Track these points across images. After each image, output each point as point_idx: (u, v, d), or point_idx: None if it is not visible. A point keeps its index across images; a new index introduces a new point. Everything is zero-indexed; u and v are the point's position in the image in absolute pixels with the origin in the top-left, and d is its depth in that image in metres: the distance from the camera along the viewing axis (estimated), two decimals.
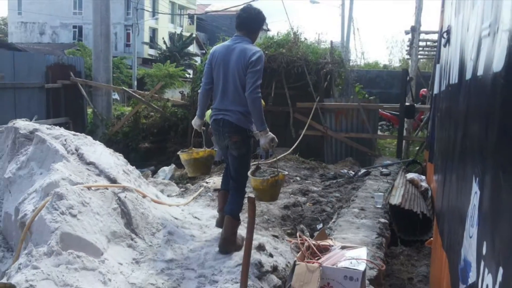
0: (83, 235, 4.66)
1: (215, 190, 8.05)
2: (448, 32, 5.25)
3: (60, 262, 4.33)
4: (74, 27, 56.33)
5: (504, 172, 1.56)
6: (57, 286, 4.12)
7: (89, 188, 5.29)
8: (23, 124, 6.33)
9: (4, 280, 4.29)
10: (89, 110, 17.75)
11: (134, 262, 4.98)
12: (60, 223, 4.58)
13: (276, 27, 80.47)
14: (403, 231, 6.88)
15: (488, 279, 1.60)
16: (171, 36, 54.51)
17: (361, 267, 3.37)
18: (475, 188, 2.13)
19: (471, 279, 1.96)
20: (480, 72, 2.24)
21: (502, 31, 1.70)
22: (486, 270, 1.66)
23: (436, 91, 7.65)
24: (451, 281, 2.74)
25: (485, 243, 1.76)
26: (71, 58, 19.02)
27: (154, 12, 52.83)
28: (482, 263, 1.76)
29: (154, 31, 58.11)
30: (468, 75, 2.74)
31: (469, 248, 2.11)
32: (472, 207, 2.16)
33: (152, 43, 54.84)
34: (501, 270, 1.44)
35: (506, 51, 1.59)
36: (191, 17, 66.42)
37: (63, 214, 4.67)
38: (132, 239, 5.27)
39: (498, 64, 1.74)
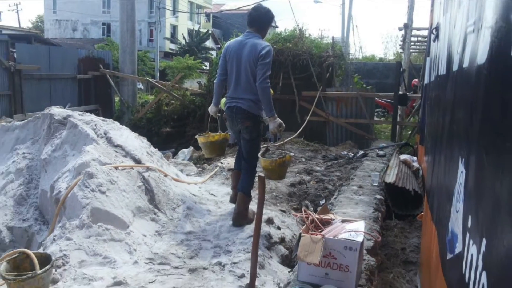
0: (111, 210, 4.69)
1: (229, 169, 8.06)
2: (437, 28, 5.18)
3: (90, 234, 4.36)
4: (103, 24, 56.19)
5: (486, 154, 1.55)
6: (88, 255, 4.16)
7: (116, 168, 5.32)
8: (57, 111, 6.35)
9: (40, 250, 4.34)
10: (117, 98, 17.78)
11: (157, 234, 5.01)
12: (90, 199, 4.62)
13: (283, 24, 79.94)
14: (397, 206, 6.87)
15: (473, 249, 1.60)
16: (190, 32, 54.28)
17: (360, 238, 3.36)
18: (461, 168, 2.12)
19: (458, 249, 1.95)
20: (465, 64, 2.21)
21: (485, 28, 1.69)
22: (471, 241, 1.66)
23: (426, 81, 7.56)
24: (440, 251, 2.73)
25: (470, 217, 1.75)
26: (101, 52, 19.05)
27: (174, 11, 52.62)
28: (468, 235, 1.75)
29: (174, 27, 57.86)
30: (455, 67, 2.71)
31: (456, 221, 2.10)
32: (458, 184, 2.15)
33: (173, 38, 54.63)
34: (484, 241, 1.44)
35: (489, 45, 1.58)
36: (207, 15, 66.20)
37: (93, 191, 4.70)
38: (155, 214, 5.29)
39: (481, 57, 1.73)
